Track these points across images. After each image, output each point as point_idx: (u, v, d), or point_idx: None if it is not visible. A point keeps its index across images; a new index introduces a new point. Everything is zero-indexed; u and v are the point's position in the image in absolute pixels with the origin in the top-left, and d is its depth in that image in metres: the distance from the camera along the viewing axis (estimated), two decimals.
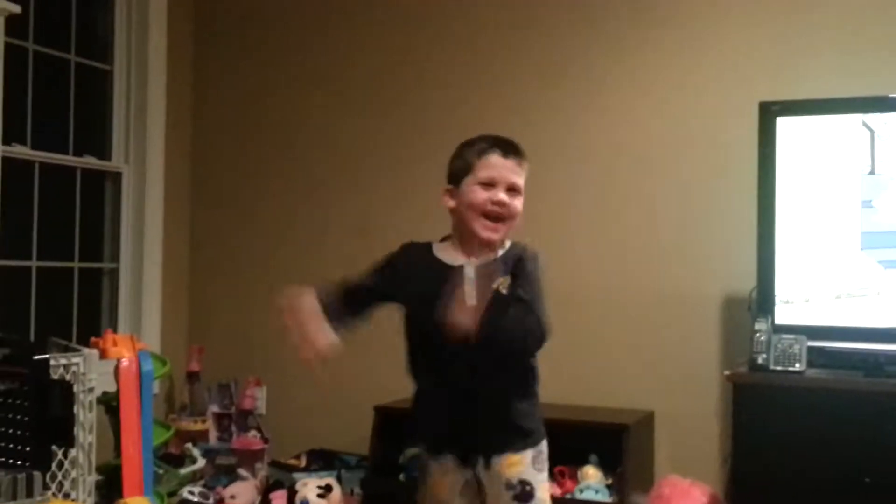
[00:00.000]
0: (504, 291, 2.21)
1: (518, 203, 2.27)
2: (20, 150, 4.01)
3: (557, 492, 3.58)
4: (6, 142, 3.86)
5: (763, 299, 3.38)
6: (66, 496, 2.79)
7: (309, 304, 2.28)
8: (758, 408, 3.24)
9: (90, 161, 4.39)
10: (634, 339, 3.87)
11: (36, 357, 2.66)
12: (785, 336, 3.25)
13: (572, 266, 3.92)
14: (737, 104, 3.66)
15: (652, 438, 3.81)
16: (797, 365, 3.21)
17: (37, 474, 2.58)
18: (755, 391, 3.26)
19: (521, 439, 2.26)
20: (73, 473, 2.87)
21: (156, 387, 3.75)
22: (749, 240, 3.43)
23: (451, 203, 2.29)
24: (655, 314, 3.85)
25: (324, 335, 2.22)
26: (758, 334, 3.27)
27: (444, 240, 2.35)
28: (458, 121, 4.03)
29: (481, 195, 2.23)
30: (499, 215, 2.23)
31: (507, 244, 2.32)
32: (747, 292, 3.49)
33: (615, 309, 3.88)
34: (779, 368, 3.22)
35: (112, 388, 3.26)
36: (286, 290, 2.33)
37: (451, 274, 2.21)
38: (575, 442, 3.56)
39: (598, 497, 3.53)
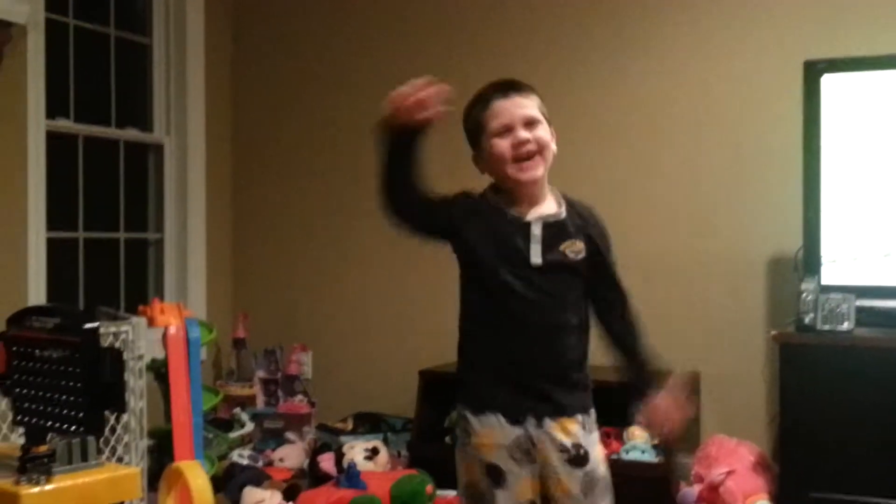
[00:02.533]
0: (574, 256, 2.14)
1: (542, 132, 2.15)
2: (64, 124, 4.06)
3: (604, 452, 3.58)
4: (50, 116, 3.90)
5: (809, 258, 3.35)
6: (120, 460, 2.84)
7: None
8: (804, 367, 3.21)
9: (132, 133, 4.43)
10: (680, 300, 3.85)
11: (86, 326, 2.70)
12: (832, 295, 3.21)
13: (618, 227, 3.80)
14: (782, 63, 3.61)
15: (699, 399, 3.79)
16: (845, 324, 3.18)
17: (91, 439, 2.63)
18: (802, 351, 3.23)
19: (578, 402, 2.18)
20: (126, 438, 2.92)
21: (203, 353, 3.79)
22: (795, 199, 3.40)
23: (482, 167, 2.22)
24: (702, 274, 3.82)
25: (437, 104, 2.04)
26: (804, 293, 3.24)
27: (495, 192, 2.22)
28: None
29: (502, 145, 2.14)
30: (528, 153, 2.13)
31: (563, 200, 2.22)
32: (794, 252, 3.46)
33: (661, 269, 3.86)
34: (826, 328, 3.19)
35: (161, 354, 3.31)
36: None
37: (517, 227, 2.13)
38: (621, 403, 3.56)
39: (645, 457, 3.53)
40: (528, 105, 2.16)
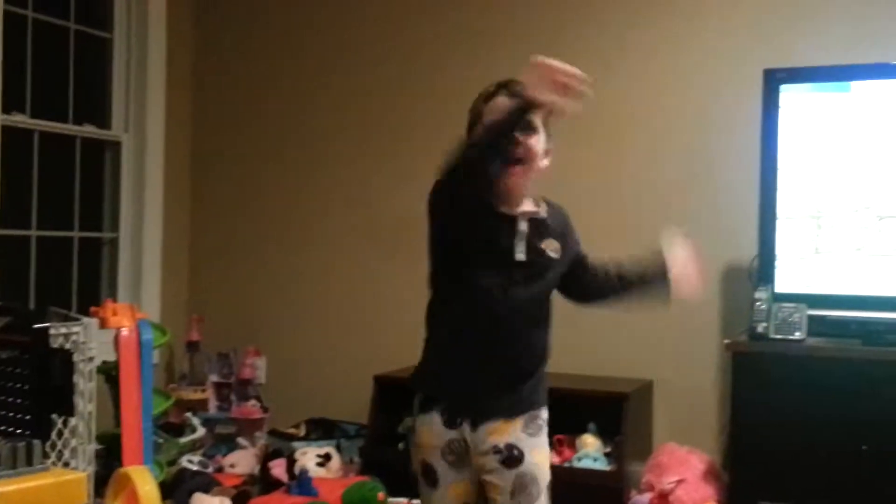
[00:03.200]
0: (553, 255, 2.18)
1: (534, 142, 2.13)
2: (19, 119, 4.00)
3: (556, 460, 3.59)
4: (6, 110, 3.85)
5: (764, 268, 3.37)
6: (66, 465, 2.80)
7: None
8: (757, 376, 3.24)
9: (90, 130, 4.37)
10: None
11: (36, 326, 2.66)
12: (785, 304, 3.24)
13: None
14: (741, 71, 3.64)
15: (651, 407, 3.82)
16: (797, 333, 3.21)
17: (36, 442, 2.58)
18: (755, 360, 3.26)
19: (526, 401, 2.18)
20: (73, 442, 2.88)
21: (156, 356, 3.75)
22: (750, 208, 3.42)
23: None
24: None
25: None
26: (758, 303, 3.27)
27: None
28: (457, 105, 4.02)
29: (534, 141, 2.13)
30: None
31: (543, 203, 2.23)
32: (748, 261, 3.48)
33: None
34: (779, 337, 3.22)
35: (112, 357, 3.26)
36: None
37: (504, 222, 2.14)
38: (574, 410, 3.57)
39: (597, 465, 3.54)
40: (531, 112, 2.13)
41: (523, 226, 2.15)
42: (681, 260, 2.30)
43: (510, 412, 2.16)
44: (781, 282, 3.34)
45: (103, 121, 4.46)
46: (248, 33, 4.66)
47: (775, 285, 3.33)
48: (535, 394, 2.21)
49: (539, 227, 2.18)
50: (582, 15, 4.01)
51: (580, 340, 3.87)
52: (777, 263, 3.37)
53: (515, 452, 2.14)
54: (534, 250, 2.16)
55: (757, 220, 3.41)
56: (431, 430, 2.17)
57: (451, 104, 3.98)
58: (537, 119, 2.13)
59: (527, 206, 2.19)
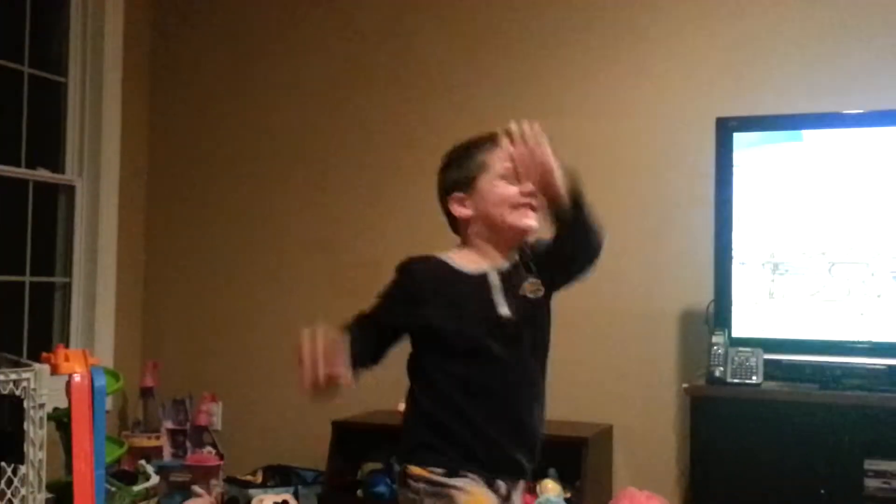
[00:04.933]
0: (532, 296, 2.10)
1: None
2: None
3: None
4: None
5: (720, 312, 3.40)
6: None
7: (332, 336, 2.07)
8: (715, 420, 3.25)
9: (43, 174, 4.33)
10: (592, 353, 3.87)
11: None
12: (741, 349, 3.27)
13: None
14: (693, 119, 3.69)
15: (610, 451, 3.81)
16: (754, 377, 3.23)
17: None
18: (712, 404, 3.27)
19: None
20: (23, 491, 2.81)
21: (109, 402, 3.69)
22: (706, 253, 3.45)
23: (467, 211, 2.11)
24: (613, 328, 3.86)
25: (342, 367, 2.00)
26: (715, 347, 3.29)
27: (456, 249, 2.16)
28: (423, 126, 4.06)
29: (509, 189, 2.09)
30: (532, 205, 2.10)
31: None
32: (704, 305, 3.51)
33: (573, 323, 3.85)
34: (736, 381, 3.24)
35: (64, 403, 3.20)
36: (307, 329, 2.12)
37: (474, 284, 2.06)
38: None
39: None
40: None
41: (494, 279, 2.08)
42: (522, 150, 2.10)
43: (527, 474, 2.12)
44: (738, 326, 3.37)
45: (57, 165, 4.41)
46: (203, 78, 4.66)
47: (732, 330, 3.35)
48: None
49: (513, 274, 2.10)
50: (532, 62, 4.05)
51: None
52: (733, 308, 3.40)
53: None
54: (516, 299, 2.08)
55: (713, 265, 3.44)
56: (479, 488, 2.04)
57: (420, 146, 4.04)
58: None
59: (492, 261, 2.11)
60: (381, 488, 3.73)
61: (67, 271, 4.43)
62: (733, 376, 3.25)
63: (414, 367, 2.11)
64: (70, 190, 4.44)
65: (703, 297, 3.51)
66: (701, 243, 3.53)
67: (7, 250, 4.20)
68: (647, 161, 3.87)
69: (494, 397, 2.04)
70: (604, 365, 3.86)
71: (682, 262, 3.75)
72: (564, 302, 3.84)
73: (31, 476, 2.84)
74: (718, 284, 3.42)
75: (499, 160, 2.10)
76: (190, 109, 4.69)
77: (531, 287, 2.11)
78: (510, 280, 2.09)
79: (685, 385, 3.40)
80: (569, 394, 3.83)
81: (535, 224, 2.10)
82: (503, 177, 2.09)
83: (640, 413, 3.79)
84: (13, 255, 4.24)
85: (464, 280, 2.07)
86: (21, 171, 4.23)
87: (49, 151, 4.41)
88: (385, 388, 3.83)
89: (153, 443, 4.28)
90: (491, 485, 2.04)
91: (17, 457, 2.74)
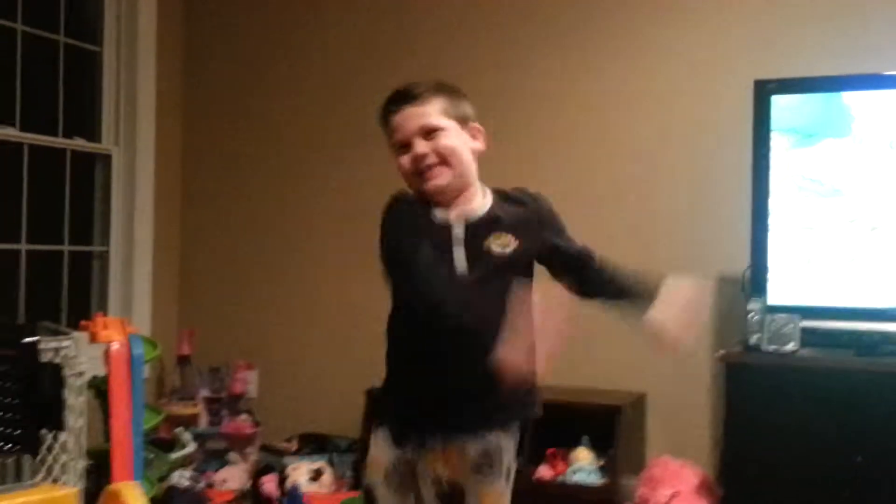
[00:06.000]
0: (498, 251, 2.03)
1: (444, 140, 2.04)
2: (9, 132, 3.98)
3: (549, 474, 3.58)
4: None
5: (756, 279, 3.37)
6: (56, 480, 2.77)
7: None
8: (750, 388, 3.23)
9: (80, 143, 4.35)
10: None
11: (25, 340, 2.65)
12: (778, 316, 3.24)
13: None
14: (732, 81, 3.64)
15: (644, 420, 3.80)
16: (790, 345, 3.20)
17: (26, 458, 2.58)
18: (748, 371, 3.25)
19: (485, 423, 2.06)
20: (63, 457, 2.85)
21: (146, 370, 3.72)
22: (743, 219, 3.41)
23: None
24: None
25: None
26: (751, 314, 3.26)
27: None
28: None
29: (404, 161, 2.05)
30: (428, 167, 2.03)
31: (488, 194, 2.12)
32: (741, 272, 3.48)
33: None
34: (772, 348, 3.22)
35: (102, 372, 3.24)
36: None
37: (441, 233, 2.03)
38: (567, 424, 3.56)
39: (590, 479, 3.52)
40: (425, 114, 2.04)
41: (458, 229, 2.04)
42: (678, 301, 2.04)
43: (463, 435, 2.03)
44: (774, 293, 3.34)
45: (93, 134, 4.44)
46: (238, 46, 4.65)
47: (768, 297, 3.32)
48: (505, 413, 2.07)
49: (482, 225, 2.05)
50: (570, 27, 4.01)
51: (573, 353, 3.85)
52: (769, 275, 3.36)
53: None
54: (477, 253, 2.02)
55: (749, 231, 3.40)
56: (379, 449, 2.07)
57: None
58: (433, 119, 2.04)
59: (467, 207, 2.07)
60: None
61: (105, 240, 4.47)
62: (769, 343, 3.22)
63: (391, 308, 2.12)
64: (106, 159, 4.46)
65: (740, 263, 3.47)
66: (738, 208, 3.48)
67: (45, 220, 4.23)
68: (683, 125, 3.82)
69: (433, 348, 1.99)
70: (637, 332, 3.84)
71: (718, 228, 3.70)
72: None
73: (71, 443, 2.88)
74: (755, 250, 3.38)
75: (390, 133, 2.08)
76: (225, 77, 4.69)
77: (498, 240, 2.05)
78: (476, 231, 2.04)
79: (721, 352, 3.37)
80: (602, 362, 3.83)
81: (439, 182, 2.04)
82: (397, 150, 2.07)
83: (675, 381, 3.76)
84: (51, 224, 4.27)
85: (433, 225, 2.05)
86: (58, 141, 4.26)
87: (85, 121, 4.43)
88: None
89: (190, 410, 4.31)
90: (399, 442, 2.02)
91: (58, 424, 2.78)
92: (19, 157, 4.08)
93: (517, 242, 2.05)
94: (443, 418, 2.01)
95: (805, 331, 3.22)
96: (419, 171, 2.03)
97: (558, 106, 4.02)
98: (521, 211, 2.11)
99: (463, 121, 2.08)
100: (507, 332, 1.84)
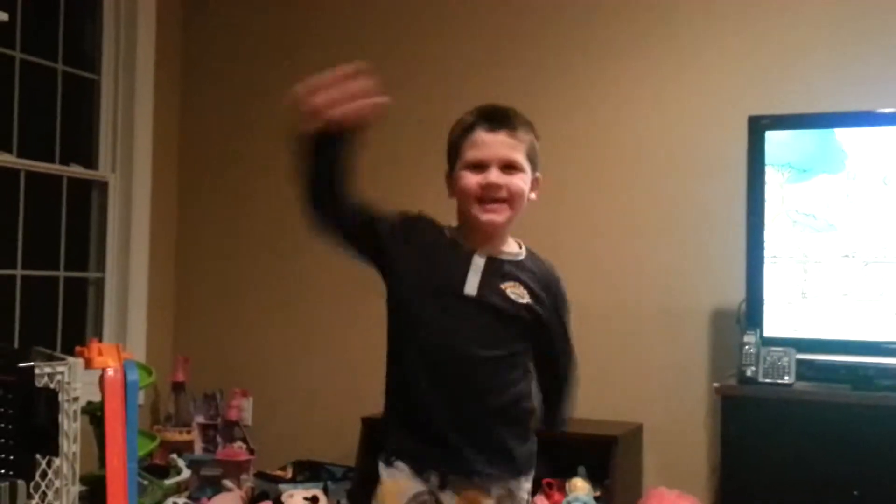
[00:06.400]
0: (513, 297, 1.97)
1: (519, 180, 1.98)
2: (6, 158, 3.99)
3: None
4: None
5: (751, 312, 3.38)
6: None
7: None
8: (746, 420, 3.23)
9: (76, 170, 4.36)
10: (623, 352, 3.86)
11: (20, 365, 2.64)
12: (774, 348, 3.25)
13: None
14: (725, 117, 3.67)
15: (640, 450, 3.80)
16: (786, 377, 3.21)
17: (20, 483, 2.56)
18: (744, 403, 3.25)
19: (503, 467, 1.99)
20: (57, 483, 2.84)
21: (141, 397, 3.72)
22: (738, 251, 3.43)
23: (450, 191, 2.05)
24: (644, 326, 3.84)
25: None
26: (746, 346, 3.27)
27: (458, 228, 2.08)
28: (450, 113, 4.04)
29: (472, 180, 1.97)
30: (494, 199, 1.96)
31: (524, 250, 2.09)
32: (736, 304, 3.49)
33: (604, 321, 3.87)
34: (767, 381, 3.22)
35: (97, 397, 3.23)
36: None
37: (458, 256, 1.98)
38: (563, 454, 3.55)
39: None
40: (516, 147, 2.00)
41: (480, 260, 1.98)
42: None
43: (484, 476, 1.95)
44: (770, 325, 3.35)
45: (90, 161, 4.45)
46: (234, 74, 4.68)
47: (763, 329, 3.33)
48: (520, 455, 2.02)
49: (505, 268, 2.00)
50: (563, 65, 4.04)
51: None
52: (765, 307, 3.37)
53: None
54: (490, 288, 1.97)
55: (745, 263, 3.42)
56: (398, 480, 1.98)
57: (448, 111, 4.02)
58: (519, 155, 1.99)
59: (497, 247, 2.03)
60: None
61: (101, 266, 4.47)
62: (765, 376, 3.23)
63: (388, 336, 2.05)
64: (103, 186, 4.47)
65: (735, 295, 3.49)
66: (733, 241, 3.50)
67: (41, 246, 4.23)
68: (678, 158, 3.85)
69: (440, 378, 1.93)
70: (634, 363, 3.85)
71: (714, 260, 3.72)
72: (594, 299, 3.87)
73: (66, 468, 2.87)
74: (750, 283, 3.40)
75: (469, 147, 1.99)
76: (221, 105, 4.71)
77: (514, 288, 2.00)
78: (497, 270, 1.99)
79: (716, 384, 3.38)
80: (598, 392, 3.82)
81: (496, 219, 1.97)
82: (469, 166, 1.99)
83: (671, 412, 3.77)
84: (47, 250, 4.27)
85: (455, 251, 2.00)
86: (55, 167, 4.27)
87: (82, 148, 4.44)
88: None
89: (184, 437, 4.30)
90: (420, 474, 1.94)
91: (52, 449, 2.76)
92: (16, 183, 4.08)
93: (532, 300, 2.01)
94: (467, 458, 1.93)
95: (801, 363, 3.22)
96: (482, 198, 1.96)
97: (551, 143, 4.02)
98: (545, 275, 2.07)
99: (534, 168, 2.05)
100: None
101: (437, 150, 2.18)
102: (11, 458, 2.57)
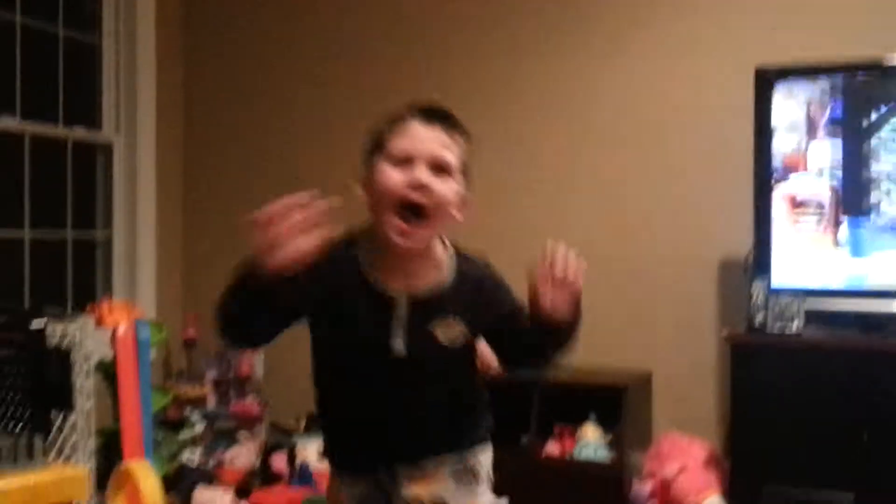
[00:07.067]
0: (444, 342, 1.72)
1: (448, 188, 1.67)
2: (9, 123, 3.99)
3: (558, 450, 3.60)
4: None
5: (760, 259, 3.38)
6: (67, 460, 2.78)
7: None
8: (755, 368, 3.26)
9: (80, 132, 4.36)
10: (633, 301, 3.86)
11: (32, 325, 2.66)
12: (782, 296, 3.26)
13: (570, 229, 3.93)
14: (733, 68, 3.64)
15: (650, 398, 3.82)
16: (794, 325, 3.22)
17: (37, 439, 2.59)
18: (752, 351, 3.28)
19: (450, 442, 1.83)
20: (73, 438, 2.86)
21: (153, 353, 3.73)
22: (746, 201, 3.43)
23: (363, 191, 1.73)
24: (654, 276, 3.84)
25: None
26: (754, 295, 3.28)
27: (370, 240, 1.75)
28: (450, 82, 4.04)
29: (393, 177, 1.65)
30: (418, 205, 1.64)
31: (451, 257, 1.77)
32: (744, 253, 3.49)
33: (614, 271, 3.88)
34: (776, 329, 3.24)
35: (109, 355, 3.26)
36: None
37: (376, 305, 1.70)
38: (574, 402, 3.59)
39: (598, 455, 3.54)
40: (450, 147, 1.69)
41: (402, 309, 1.71)
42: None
43: (431, 458, 1.80)
44: (777, 274, 3.35)
45: (94, 123, 4.44)
46: (237, 32, 4.65)
47: (771, 277, 3.34)
48: (467, 431, 1.85)
49: (432, 305, 1.71)
50: (576, 14, 4.01)
51: (580, 332, 3.87)
52: (773, 255, 3.37)
53: None
54: (420, 337, 1.71)
55: (752, 211, 3.41)
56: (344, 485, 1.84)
57: (448, 80, 4.02)
58: (453, 158, 1.69)
59: (419, 277, 1.73)
60: None
61: (108, 226, 4.48)
62: (773, 324, 3.24)
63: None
64: (108, 147, 4.47)
65: (743, 245, 3.49)
66: (741, 190, 3.49)
67: (49, 208, 4.23)
68: (686, 108, 3.83)
69: (366, 417, 1.76)
70: (644, 312, 3.85)
71: (722, 210, 3.71)
72: (603, 249, 3.87)
73: (81, 423, 2.90)
74: (758, 232, 3.40)
75: (397, 137, 1.69)
76: (225, 63, 4.69)
77: (446, 328, 1.73)
78: (424, 311, 1.71)
79: (725, 333, 3.39)
80: (608, 341, 3.85)
81: (409, 242, 1.66)
82: (393, 159, 1.68)
83: (680, 360, 3.78)
84: (55, 212, 4.28)
85: (369, 294, 1.71)
86: (59, 130, 4.26)
87: (86, 110, 4.43)
88: None
89: (198, 392, 4.31)
90: (369, 474, 1.80)
91: (66, 405, 2.79)
92: (21, 146, 4.08)
93: (466, 331, 1.75)
94: (410, 449, 1.79)
95: (809, 310, 3.24)
96: (403, 201, 1.65)
97: (560, 91, 4.03)
98: (475, 289, 1.76)
99: (467, 179, 1.74)
100: None
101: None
102: (27, 413, 2.60)
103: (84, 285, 4.40)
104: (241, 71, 4.65)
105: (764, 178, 3.39)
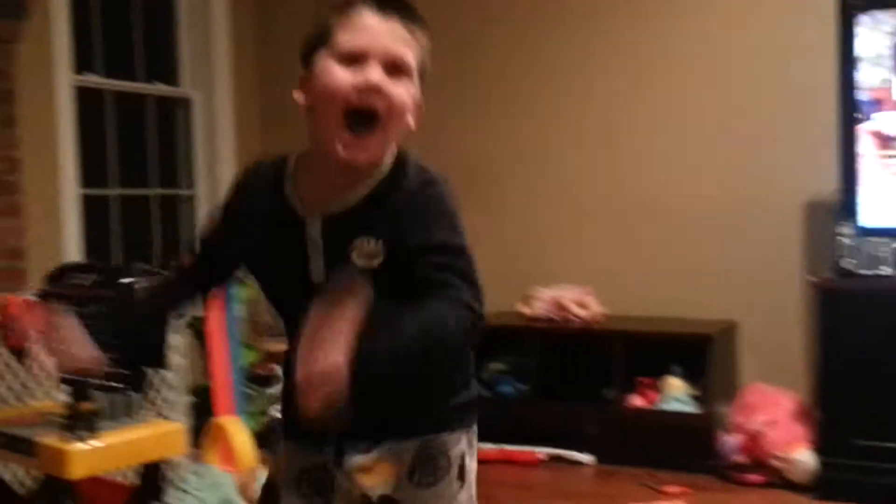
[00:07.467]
0: (362, 264, 1.41)
1: (403, 91, 1.41)
2: (92, 79, 4.05)
3: (642, 402, 3.59)
4: (77, 71, 3.89)
5: (847, 201, 3.29)
6: (163, 416, 2.86)
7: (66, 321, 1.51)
8: (844, 314, 3.19)
9: (160, 88, 4.41)
10: (716, 247, 3.81)
11: (122, 281, 2.72)
12: (871, 239, 3.17)
13: (652, 176, 3.89)
14: (816, 2, 3.53)
15: (735, 348, 3.77)
16: (884, 268, 3.14)
17: (135, 396, 2.67)
18: (841, 297, 3.20)
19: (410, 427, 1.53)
20: (168, 395, 2.94)
21: (240, 310, 3.79)
22: (831, 138, 3.33)
23: (302, 97, 1.47)
24: (737, 222, 3.78)
25: (86, 349, 1.49)
26: (842, 238, 3.20)
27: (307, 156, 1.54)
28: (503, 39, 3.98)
29: (342, 77, 1.39)
30: (369, 110, 1.39)
31: (386, 164, 1.46)
32: (830, 194, 3.40)
33: (695, 219, 3.82)
34: (865, 272, 3.16)
35: (199, 313, 3.31)
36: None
37: (292, 228, 1.46)
38: (658, 353, 3.56)
39: (684, 407, 3.52)
40: (408, 43, 1.43)
41: (314, 230, 1.45)
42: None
43: (384, 442, 1.50)
44: (866, 214, 3.26)
45: (173, 79, 4.49)
46: None
47: (859, 219, 3.25)
48: (434, 411, 1.53)
49: (347, 225, 1.43)
50: None
51: (663, 282, 3.85)
52: (860, 196, 3.28)
53: None
54: (338, 260, 1.42)
55: (838, 152, 3.32)
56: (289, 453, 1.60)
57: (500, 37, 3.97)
58: (410, 56, 1.43)
59: (343, 193, 1.45)
60: (506, 388, 3.80)
61: (191, 183, 4.55)
62: (862, 267, 3.16)
63: None
64: (187, 103, 4.52)
65: (830, 183, 3.40)
66: (826, 130, 3.40)
67: (132, 164, 4.30)
68: (768, 43, 3.73)
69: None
70: (727, 259, 3.79)
71: (806, 150, 3.63)
72: (687, 196, 3.81)
73: (175, 380, 2.97)
74: (845, 172, 3.30)
75: (346, 29, 1.43)
76: (299, 17, 4.68)
77: (362, 249, 1.42)
78: (339, 232, 1.44)
79: (812, 278, 3.32)
80: (691, 290, 3.81)
81: (359, 155, 1.42)
82: (342, 56, 1.41)
83: (765, 308, 3.72)
84: (138, 168, 4.35)
85: (284, 216, 1.48)
86: (139, 86, 4.32)
87: (165, 66, 4.48)
88: (511, 289, 3.88)
89: (284, 347, 4.38)
90: (318, 445, 1.53)
91: (161, 363, 2.86)
92: (102, 103, 4.14)
93: (386, 251, 1.42)
94: (362, 426, 1.47)
95: None
96: (351, 106, 1.39)
97: (641, 28, 3.95)
98: (404, 205, 1.44)
99: (423, 79, 1.48)
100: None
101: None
102: (124, 372, 2.68)
103: (170, 241, 4.48)
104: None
105: (849, 113, 3.29)
